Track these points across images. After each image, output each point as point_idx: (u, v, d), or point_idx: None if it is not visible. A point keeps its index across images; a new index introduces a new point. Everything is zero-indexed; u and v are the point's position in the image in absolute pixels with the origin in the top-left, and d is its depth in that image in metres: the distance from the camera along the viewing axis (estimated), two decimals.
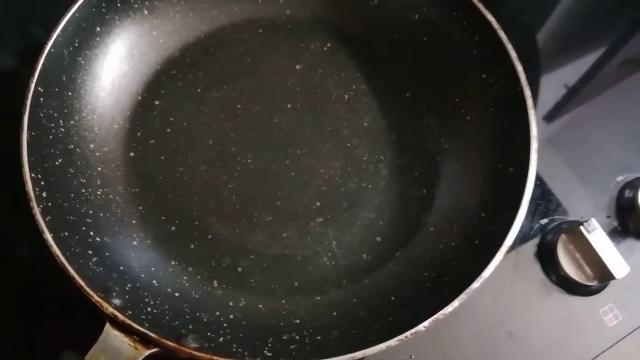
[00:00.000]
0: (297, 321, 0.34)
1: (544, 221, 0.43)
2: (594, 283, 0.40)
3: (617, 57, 0.50)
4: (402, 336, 0.30)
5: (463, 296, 0.31)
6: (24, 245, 0.40)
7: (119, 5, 0.40)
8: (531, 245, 0.42)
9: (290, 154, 0.41)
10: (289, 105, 0.42)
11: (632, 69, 0.50)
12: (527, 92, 0.36)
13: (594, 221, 0.39)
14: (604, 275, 0.39)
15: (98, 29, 0.39)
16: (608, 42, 0.50)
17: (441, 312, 0.30)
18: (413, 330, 0.30)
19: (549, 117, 0.47)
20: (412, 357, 0.38)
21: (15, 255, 0.40)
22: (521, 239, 0.42)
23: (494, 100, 0.38)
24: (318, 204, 0.39)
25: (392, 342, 0.30)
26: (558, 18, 0.51)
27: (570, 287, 0.40)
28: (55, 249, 0.31)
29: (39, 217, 0.31)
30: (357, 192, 0.40)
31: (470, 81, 0.39)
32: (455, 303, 0.31)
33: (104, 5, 0.39)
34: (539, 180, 0.44)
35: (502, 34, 0.37)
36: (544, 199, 0.43)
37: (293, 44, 0.44)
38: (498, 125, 0.38)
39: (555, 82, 0.48)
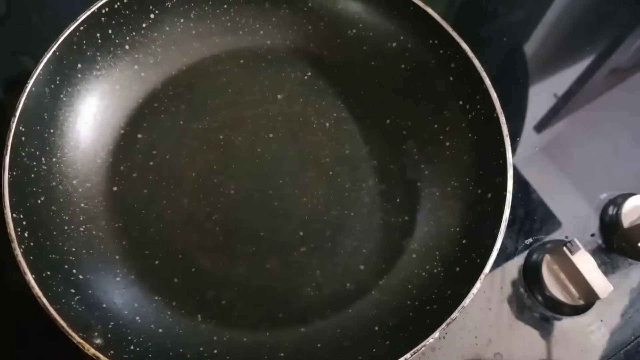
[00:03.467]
0: (282, 354, 0.34)
1: (529, 241, 0.43)
2: (579, 303, 0.40)
3: (605, 66, 0.51)
4: None
5: (443, 327, 0.31)
6: (5, 281, 0.40)
7: (99, 42, 0.40)
8: (516, 265, 0.42)
9: (272, 184, 0.41)
10: (270, 135, 0.42)
11: (620, 77, 0.50)
12: (502, 119, 0.36)
13: (576, 241, 0.40)
14: (589, 295, 0.39)
15: (79, 65, 0.40)
16: (596, 51, 0.51)
17: (422, 343, 0.30)
18: None
19: (539, 127, 0.48)
20: None
21: (3, 291, 0.40)
22: (506, 259, 0.42)
23: (471, 127, 0.39)
24: (301, 233, 0.40)
25: None
26: (545, 28, 0.52)
27: (556, 307, 0.41)
28: (37, 290, 0.31)
29: (20, 258, 0.32)
30: (340, 220, 0.40)
31: (447, 108, 0.40)
32: (436, 334, 0.31)
33: (84, 42, 0.39)
34: (523, 200, 0.44)
35: (477, 62, 0.37)
36: (528, 218, 0.44)
37: (274, 74, 0.44)
38: (476, 151, 0.38)
39: (545, 92, 0.49)
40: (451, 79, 0.40)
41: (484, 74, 0.37)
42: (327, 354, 0.34)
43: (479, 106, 0.38)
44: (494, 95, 0.37)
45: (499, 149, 0.36)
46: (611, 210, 0.44)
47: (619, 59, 0.51)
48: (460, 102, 0.39)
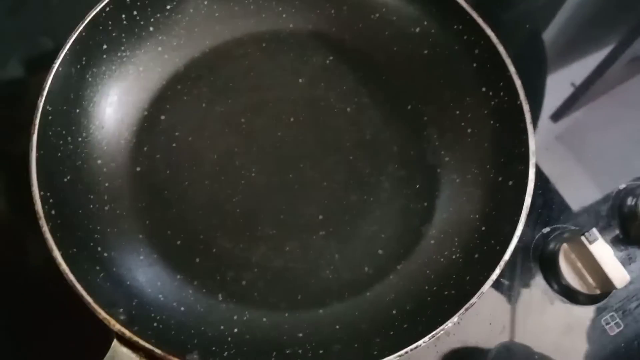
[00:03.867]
0: (300, 335, 0.35)
1: (546, 230, 0.43)
2: (595, 292, 0.40)
3: (625, 55, 0.50)
4: (402, 352, 0.30)
5: (462, 311, 0.31)
6: (33, 256, 0.41)
7: (125, 23, 0.40)
8: (533, 254, 0.42)
9: (293, 168, 0.41)
10: (291, 119, 0.43)
11: (638, 67, 0.50)
12: (526, 107, 0.36)
13: (595, 231, 0.40)
14: (605, 285, 0.39)
15: (105, 46, 0.40)
16: (615, 40, 0.50)
17: (440, 327, 0.31)
18: (413, 346, 0.31)
19: (556, 116, 0.47)
20: None
21: (23, 268, 0.41)
22: (523, 248, 0.42)
23: (494, 114, 0.39)
24: (321, 217, 0.40)
25: (393, 357, 0.30)
26: (565, 17, 0.51)
27: (572, 296, 0.41)
28: (64, 267, 0.31)
29: (48, 235, 0.32)
30: (359, 205, 0.40)
31: (470, 94, 0.40)
32: (455, 319, 0.31)
33: (110, 23, 0.40)
34: (541, 189, 0.44)
35: (501, 49, 0.37)
36: (546, 207, 0.44)
37: (295, 57, 0.44)
38: (497, 138, 0.38)
39: (563, 81, 0.48)
40: (474, 65, 0.40)
41: (508, 61, 0.37)
42: (345, 335, 0.34)
43: (502, 93, 0.38)
44: (518, 82, 0.37)
45: (522, 136, 0.36)
46: (630, 201, 0.44)
47: (639, 49, 0.50)
48: (483, 89, 0.39)
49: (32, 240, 0.41)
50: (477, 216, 0.38)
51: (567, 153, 0.47)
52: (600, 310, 0.41)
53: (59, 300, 0.37)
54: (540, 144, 0.46)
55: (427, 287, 0.36)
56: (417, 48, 0.42)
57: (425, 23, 0.42)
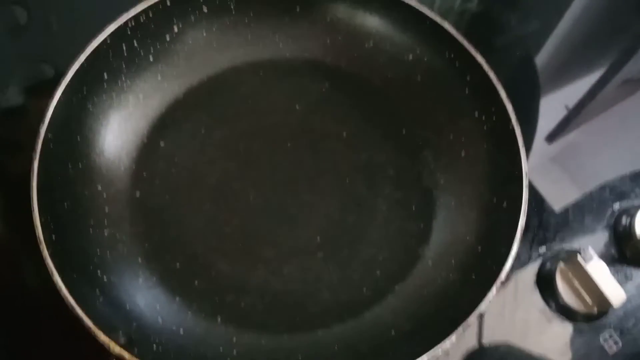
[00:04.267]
0: (299, 357, 0.35)
1: (542, 249, 0.43)
2: (593, 311, 0.40)
3: (617, 78, 0.51)
4: None
5: (460, 330, 0.31)
6: (31, 278, 0.41)
7: (125, 53, 0.41)
8: (531, 274, 0.42)
9: (290, 191, 0.42)
10: (289, 144, 0.43)
11: (632, 89, 0.51)
12: (518, 131, 0.37)
13: (590, 250, 0.40)
14: (602, 304, 0.40)
15: (105, 75, 0.41)
16: (607, 63, 0.51)
17: (438, 346, 0.31)
18: None
19: (550, 138, 0.48)
20: None
21: (21, 290, 0.41)
22: (520, 267, 0.42)
23: (487, 137, 0.39)
24: (318, 239, 0.40)
25: None
26: (557, 40, 0.53)
27: (570, 315, 0.41)
28: (64, 291, 0.32)
29: (48, 260, 0.33)
30: (357, 227, 0.41)
31: (463, 119, 0.41)
32: (453, 338, 0.31)
33: (111, 53, 0.40)
34: (536, 208, 0.45)
35: (492, 75, 0.38)
36: (542, 227, 0.44)
37: (292, 84, 0.45)
38: (491, 161, 0.39)
39: (556, 103, 0.49)
40: (467, 91, 0.41)
41: (499, 87, 0.38)
42: (344, 357, 0.35)
43: (494, 118, 0.39)
44: (509, 107, 0.37)
45: (515, 159, 0.37)
46: (624, 221, 0.44)
47: (632, 70, 0.51)
48: (476, 114, 0.40)
49: (30, 263, 0.41)
50: (473, 237, 0.38)
51: (562, 174, 0.47)
52: (599, 329, 0.41)
53: (58, 323, 0.37)
54: (536, 165, 0.46)
55: (425, 308, 0.36)
56: (411, 74, 0.43)
57: (418, 51, 0.43)
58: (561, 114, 0.49)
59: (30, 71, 0.48)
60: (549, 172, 0.47)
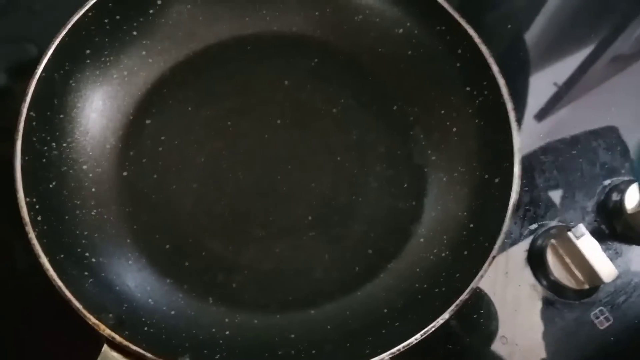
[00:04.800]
0: (292, 336, 0.35)
1: (533, 226, 0.43)
2: (583, 287, 0.41)
3: (607, 53, 0.50)
4: (394, 349, 0.30)
5: (453, 308, 0.31)
6: (20, 262, 0.40)
7: (107, 28, 0.40)
8: (521, 251, 0.42)
9: (280, 170, 0.41)
10: (278, 122, 0.43)
11: (622, 65, 0.50)
12: (510, 105, 0.36)
13: (581, 226, 0.40)
14: (593, 279, 0.40)
15: (88, 51, 0.40)
16: (597, 39, 0.51)
17: (432, 324, 0.31)
18: (405, 343, 0.31)
19: (540, 116, 0.48)
20: None
21: (10, 274, 0.40)
22: (511, 245, 0.42)
23: (478, 113, 0.39)
24: (310, 218, 0.40)
25: (386, 355, 0.31)
26: (546, 16, 0.52)
27: (561, 291, 0.41)
28: (52, 272, 0.31)
29: (35, 241, 0.32)
30: (348, 205, 0.40)
31: (454, 94, 0.40)
32: (446, 315, 0.31)
33: (93, 28, 0.39)
34: (527, 186, 0.45)
35: (484, 48, 0.38)
36: (533, 204, 0.44)
37: (280, 60, 0.44)
38: (483, 137, 0.39)
39: (545, 81, 0.49)
40: (458, 65, 0.40)
41: (491, 60, 0.37)
42: (336, 335, 0.34)
43: (486, 92, 0.38)
44: (501, 81, 0.37)
45: (506, 134, 0.36)
46: (615, 197, 0.44)
47: (621, 47, 0.51)
48: (467, 89, 0.40)
49: (18, 247, 0.40)
50: (464, 214, 0.38)
51: (552, 151, 0.47)
52: (589, 305, 0.41)
53: (48, 306, 0.37)
54: (526, 142, 0.46)
55: (417, 285, 0.36)
56: (401, 49, 0.43)
57: (409, 24, 0.42)
58: (550, 91, 0.49)
59: (13, 52, 0.47)
60: (540, 149, 0.47)
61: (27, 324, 0.38)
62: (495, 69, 0.37)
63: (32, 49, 0.46)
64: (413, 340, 0.31)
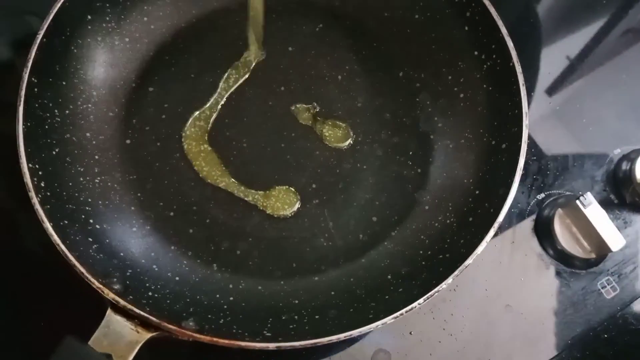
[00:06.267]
0: (296, 301, 0.35)
1: (541, 196, 0.43)
2: (591, 256, 0.40)
3: (619, 27, 0.50)
4: (397, 314, 0.30)
5: (457, 273, 0.31)
6: (25, 234, 0.41)
7: None
8: (528, 220, 0.42)
9: (284, 137, 0.41)
10: (282, 88, 0.42)
11: (634, 38, 0.49)
12: (519, 69, 0.36)
13: (589, 195, 0.40)
14: (601, 248, 0.39)
15: (89, 17, 0.39)
16: (609, 12, 0.50)
17: (435, 289, 0.31)
18: (408, 308, 0.31)
19: (551, 90, 0.47)
20: (412, 333, 0.38)
21: (16, 245, 0.40)
22: (518, 214, 0.42)
23: (486, 78, 0.38)
24: (314, 185, 0.40)
25: (389, 319, 0.30)
26: None
27: (568, 260, 0.41)
28: (55, 237, 0.31)
29: (38, 206, 0.32)
30: (352, 173, 0.40)
31: (462, 59, 0.40)
32: (449, 280, 0.31)
33: None
34: (535, 155, 0.44)
35: (493, 10, 0.37)
36: (541, 173, 0.44)
37: (284, 26, 0.43)
38: (491, 102, 0.38)
39: (557, 55, 0.48)
40: (466, 28, 0.39)
41: (500, 23, 0.36)
42: (340, 301, 0.34)
43: (494, 56, 0.37)
44: (510, 44, 0.36)
45: (515, 98, 0.35)
46: (624, 166, 0.44)
47: (633, 20, 0.50)
48: (476, 53, 0.39)
49: (24, 222, 0.40)
50: (470, 180, 0.37)
51: (564, 120, 0.46)
52: (596, 274, 0.41)
53: (54, 274, 0.37)
54: (537, 115, 0.45)
55: (421, 252, 0.36)
56: (408, 13, 0.42)
57: None
58: (562, 65, 0.48)
59: (15, 24, 0.46)
60: (550, 120, 0.46)
61: (32, 290, 0.38)
62: (504, 31, 0.36)
63: (35, 21, 0.45)
64: (416, 304, 0.31)
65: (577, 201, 0.40)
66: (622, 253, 0.41)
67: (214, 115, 0.41)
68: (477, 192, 0.37)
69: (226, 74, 0.42)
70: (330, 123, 0.42)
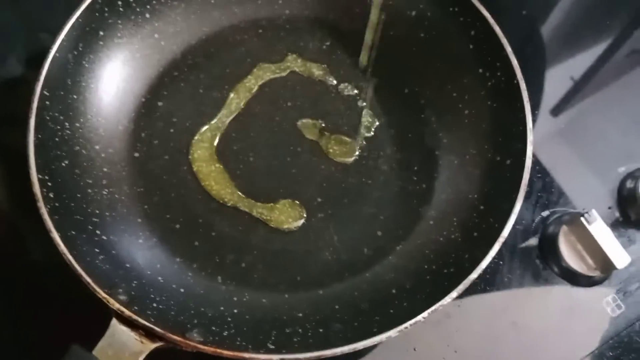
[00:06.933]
0: (300, 314, 0.35)
1: (546, 213, 0.43)
2: (595, 274, 0.40)
3: (624, 48, 0.50)
4: (402, 327, 0.30)
5: (461, 287, 0.31)
6: (32, 245, 0.41)
7: (121, 10, 0.40)
8: (533, 238, 0.42)
9: (290, 152, 0.41)
10: (289, 104, 0.43)
11: (638, 59, 0.50)
12: (523, 85, 0.36)
13: (594, 212, 0.40)
14: (605, 266, 0.39)
15: (101, 33, 0.40)
16: (614, 33, 0.50)
17: (440, 303, 0.31)
18: (412, 321, 0.30)
19: (556, 110, 0.47)
20: (415, 349, 0.38)
21: (23, 255, 0.41)
22: (523, 231, 0.42)
23: (491, 94, 0.39)
24: (319, 199, 0.40)
25: (392, 332, 0.30)
26: (562, 10, 0.51)
27: (573, 278, 0.41)
28: (62, 247, 0.31)
29: (46, 216, 0.32)
30: (358, 188, 0.40)
31: (467, 76, 0.40)
32: (454, 294, 0.31)
33: (106, 9, 0.40)
34: (540, 173, 0.44)
35: (497, 29, 0.37)
36: (546, 191, 0.44)
37: (292, 43, 0.44)
38: (495, 118, 0.38)
39: (562, 75, 0.48)
40: (471, 46, 0.40)
41: (504, 41, 0.37)
42: (345, 314, 0.34)
43: (499, 73, 0.38)
44: (514, 62, 0.37)
45: (519, 115, 0.36)
46: (629, 184, 0.44)
47: (637, 41, 0.50)
48: (480, 70, 0.39)
49: (31, 231, 0.41)
50: (475, 196, 0.38)
51: (568, 139, 0.46)
52: (601, 292, 0.41)
53: (60, 284, 0.37)
54: (541, 133, 0.46)
55: (426, 266, 0.36)
56: (414, 31, 0.43)
57: (422, 6, 0.42)
58: (567, 86, 0.48)
59: (29, 41, 0.47)
60: (555, 138, 0.46)
61: (38, 300, 0.39)
62: (508, 49, 0.37)
63: (47, 38, 0.47)
64: (420, 318, 0.30)
65: (582, 218, 0.40)
66: (627, 271, 0.41)
67: (223, 130, 0.42)
68: (481, 207, 0.37)
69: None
70: (335, 138, 0.42)
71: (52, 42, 0.37)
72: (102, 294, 0.30)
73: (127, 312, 0.30)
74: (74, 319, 0.36)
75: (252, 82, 0.43)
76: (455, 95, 0.41)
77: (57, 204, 0.34)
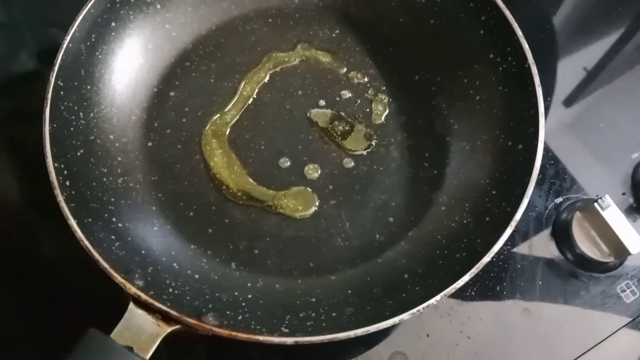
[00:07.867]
0: (313, 299, 0.35)
1: (559, 200, 0.43)
2: (609, 259, 0.40)
3: (636, 37, 0.50)
4: (414, 310, 0.30)
5: (473, 271, 0.31)
6: (47, 237, 0.42)
7: (132, 0, 0.41)
8: (546, 224, 0.42)
9: (301, 140, 0.42)
10: (299, 92, 0.43)
11: None
12: (534, 70, 0.36)
13: (608, 198, 0.39)
14: (619, 251, 0.39)
15: (113, 24, 0.41)
16: (626, 23, 0.50)
17: (452, 286, 0.31)
18: (425, 305, 0.31)
19: (569, 101, 0.47)
20: (428, 335, 0.38)
21: (39, 247, 0.42)
22: (536, 218, 0.42)
23: (502, 79, 0.39)
24: (331, 187, 0.40)
25: (405, 316, 0.31)
26: (574, 1, 0.51)
27: (586, 264, 0.41)
28: (80, 234, 0.32)
29: (63, 204, 0.33)
30: (369, 175, 0.41)
31: (478, 61, 0.40)
32: (466, 278, 0.31)
33: (118, 1, 0.40)
34: (553, 160, 0.44)
35: (508, 13, 0.37)
36: (559, 177, 0.44)
37: (302, 32, 0.44)
38: (507, 103, 0.38)
39: (574, 66, 0.48)
40: (481, 32, 0.40)
41: (515, 25, 0.37)
42: (357, 299, 0.35)
43: (509, 58, 0.38)
44: (525, 46, 0.36)
45: (531, 99, 0.36)
46: None
47: None
48: (491, 55, 0.39)
49: (49, 225, 0.41)
50: (487, 181, 0.38)
51: (581, 126, 0.46)
52: (615, 278, 0.41)
53: (76, 274, 0.38)
54: (553, 129, 0.45)
55: (438, 252, 0.36)
56: (424, 18, 0.42)
57: None
58: (579, 76, 0.48)
59: (40, 36, 0.48)
60: (568, 126, 0.46)
61: (58, 287, 0.39)
62: (519, 33, 0.37)
63: (57, 33, 0.47)
64: (433, 301, 0.31)
65: (596, 204, 0.39)
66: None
67: (235, 119, 0.42)
68: (493, 192, 0.37)
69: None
70: (346, 126, 0.42)
71: (64, 36, 0.38)
72: (119, 278, 0.31)
73: (143, 297, 0.30)
74: (92, 305, 0.37)
75: (263, 71, 0.44)
76: (466, 82, 0.41)
77: (73, 192, 0.34)
